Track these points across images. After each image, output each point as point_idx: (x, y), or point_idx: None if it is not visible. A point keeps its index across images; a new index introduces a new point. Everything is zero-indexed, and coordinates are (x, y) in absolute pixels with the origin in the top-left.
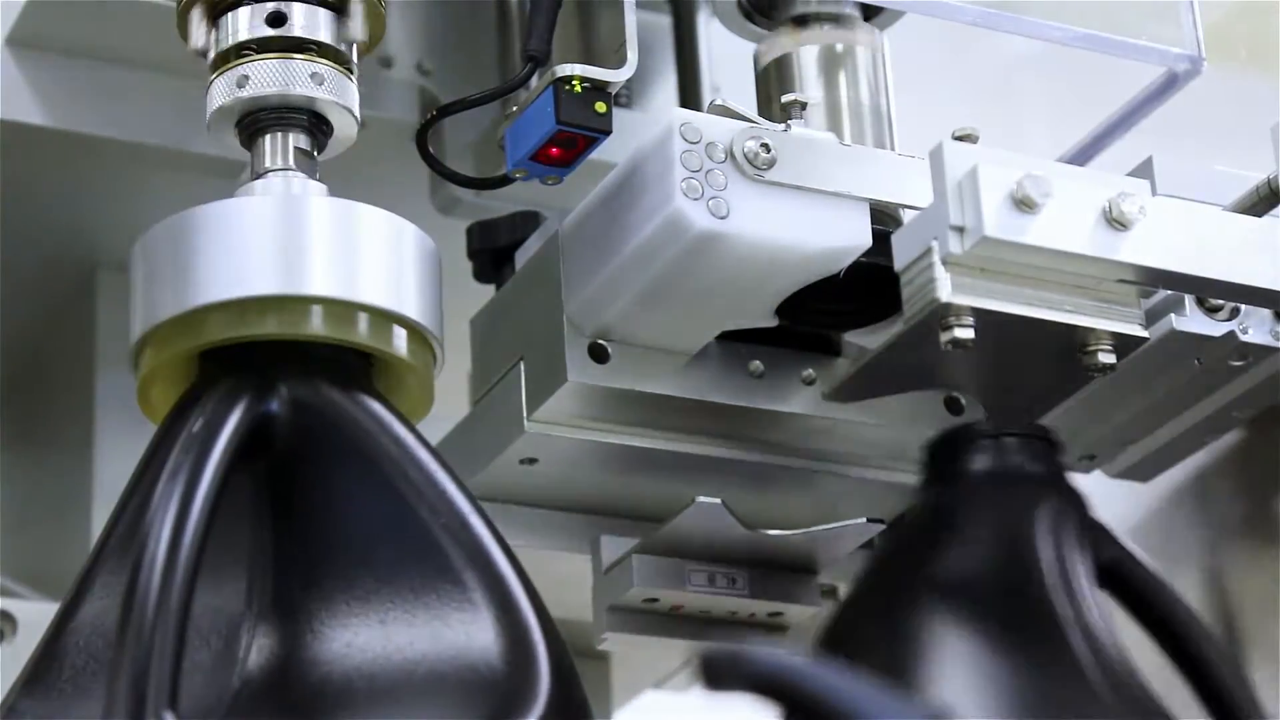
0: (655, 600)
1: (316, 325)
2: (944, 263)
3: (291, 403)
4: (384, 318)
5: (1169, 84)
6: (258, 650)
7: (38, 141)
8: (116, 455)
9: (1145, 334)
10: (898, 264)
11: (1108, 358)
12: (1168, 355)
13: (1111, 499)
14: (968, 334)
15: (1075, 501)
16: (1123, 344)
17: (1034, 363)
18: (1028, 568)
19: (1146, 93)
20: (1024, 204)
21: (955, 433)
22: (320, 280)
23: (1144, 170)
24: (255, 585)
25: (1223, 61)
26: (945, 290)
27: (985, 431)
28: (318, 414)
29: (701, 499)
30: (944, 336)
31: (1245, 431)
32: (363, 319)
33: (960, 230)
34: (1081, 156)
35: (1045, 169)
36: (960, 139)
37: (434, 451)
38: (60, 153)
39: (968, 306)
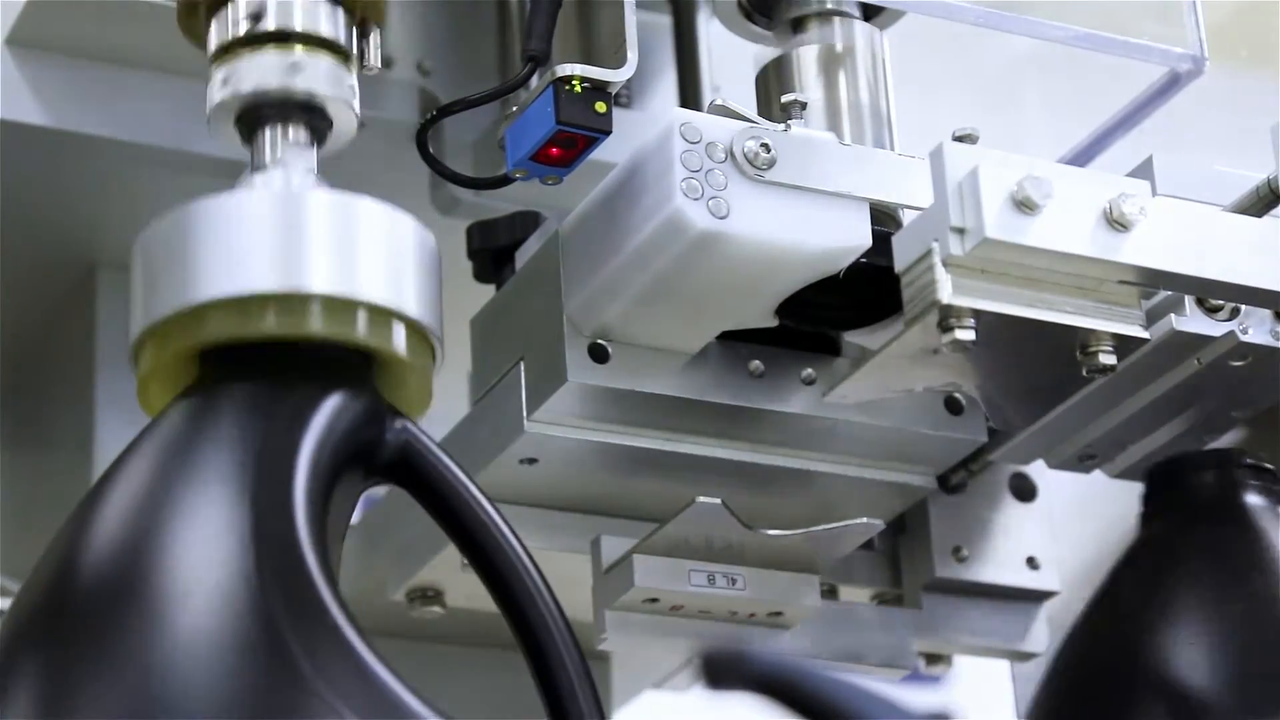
0: (655, 600)
1: (317, 323)
2: (945, 264)
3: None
4: (384, 314)
5: (1171, 84)
6: None
7: (38, 141)
8: (116, 455)
9: (1146, 335)
10: (898, 265)
11: (1108, 359)
12: (1168, 355)
13: (1111, 499)
14: (968, 335)
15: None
16: (1123, 345)
17: (1034, 363)
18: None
19: (1148, 93)
20: (1025, 205)
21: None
22: (321, 277)
23: (1144, 170)
24: None
25: (1224, 61)
26: (946, 291)
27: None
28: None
29: (701, 499)
30: (945, 338)
31: (1245, 431)
32: (362, 316)
33: (961, 231)
34: (1082, 157)
35: (1046, 170)
36: (960, 139)
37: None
38: (60, 153)
39: (968, 308)
